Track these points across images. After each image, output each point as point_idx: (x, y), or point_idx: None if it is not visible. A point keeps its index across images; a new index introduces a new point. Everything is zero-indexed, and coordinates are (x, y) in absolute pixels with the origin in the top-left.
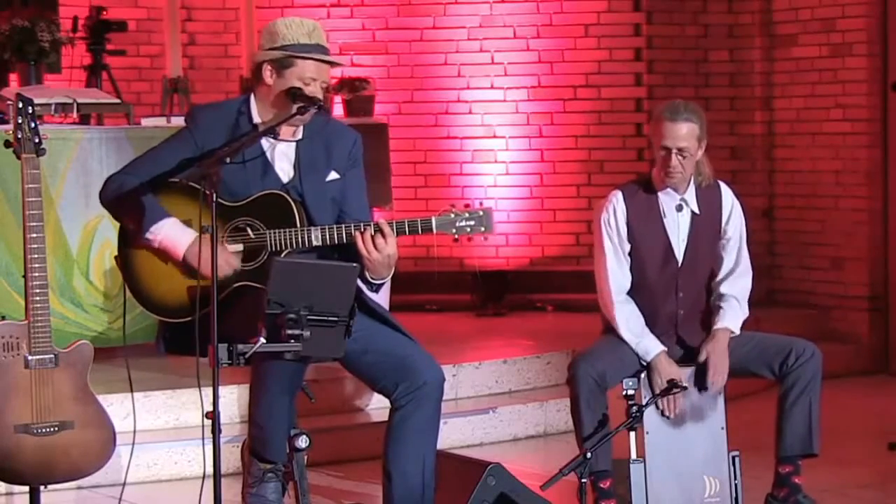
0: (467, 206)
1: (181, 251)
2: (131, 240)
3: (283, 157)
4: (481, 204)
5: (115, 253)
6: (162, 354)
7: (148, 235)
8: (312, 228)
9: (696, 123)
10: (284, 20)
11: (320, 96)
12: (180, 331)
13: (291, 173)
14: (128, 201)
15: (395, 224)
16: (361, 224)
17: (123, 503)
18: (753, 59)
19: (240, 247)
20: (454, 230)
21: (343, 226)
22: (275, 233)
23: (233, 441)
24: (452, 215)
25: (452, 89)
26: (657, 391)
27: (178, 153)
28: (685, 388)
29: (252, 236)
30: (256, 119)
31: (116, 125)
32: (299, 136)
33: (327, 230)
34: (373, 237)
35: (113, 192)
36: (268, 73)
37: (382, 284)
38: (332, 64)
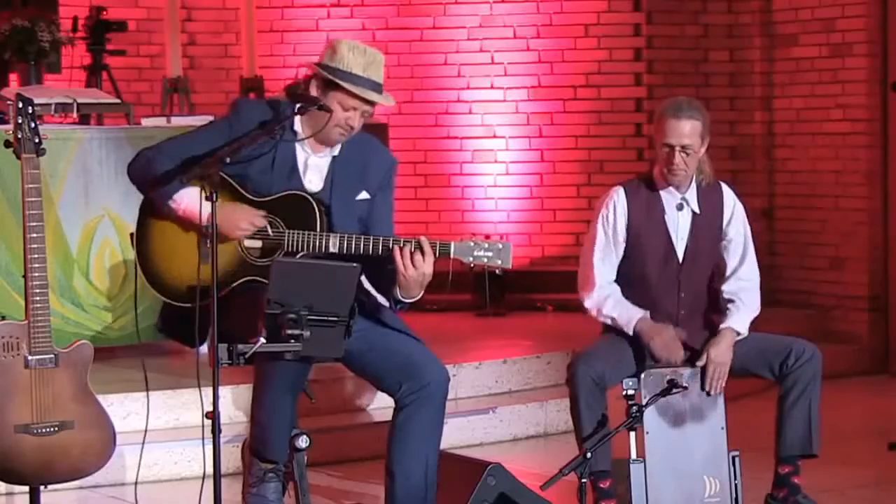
0: (488, 237)
1: (204, 217)
2: (156, 209)
3: (315, 170)
4: (502, 237)
5: (132, 230)
6: (159, 337)
7: (171, 203)
8: (331, 234)
9: (699, 121)
10: (350, 44)
11: (356, 124)
12: (182, 319)
13: (321, 186)
14: (155, 171)
15: (413, 243)
16: (401, 240)
17: (122, 503)
18: (753, 59)
19: (258, 243)
20: (471, 258)
21: (371, 238)
22: (293, 233)
23: (233, 441)
24: (472, 244)
25: (452, 89)
26: (656, 360)
27: (212, 141)
28: (685, 387)
29: (271, 234)
30: (297, 127)
31: (116, 125)
32: (336, 152)
33: (345, 238)
34: (412, 254)
35: (141, 164)
36: (314, 86)
37: (409, 304)
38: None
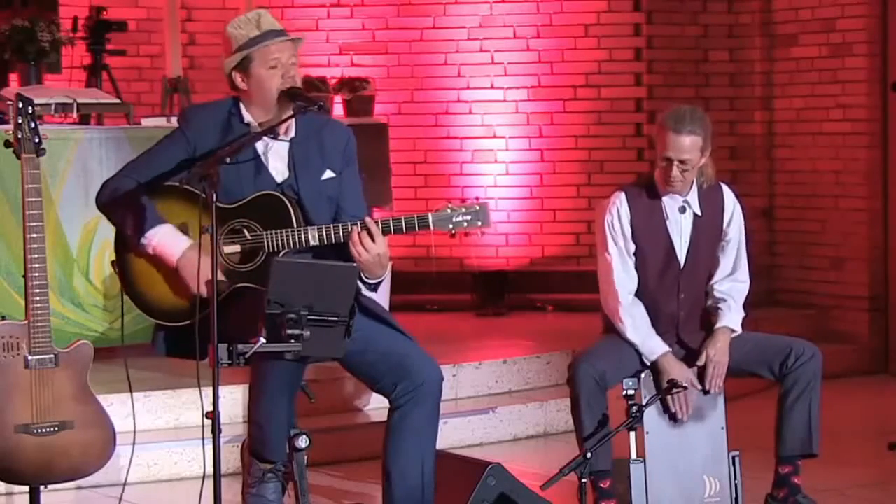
0: (463, 200)
1: (174, 259)
2: (127, 245)
3: (276, 157)
4: (477, 198)
5: (113, 258)
6: (161, 354)
7: (143, 241)
8: (309, 228)
9: (700, 136)
10: (232, 23)
11: (293, 74)
12: (180, 334)
13: (286, 173)
14: (123, 206)
15: (391, 222)
16: (349, 223)
17: (123, 503)
18: (753, 59)
19: (236, 248)
20: (451, 225)
21: (340, 225)
22: (272, 233)
23: (233, 441)
24: (449, 211)
25: (452, 89)
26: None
27: (174, 154)
28: (685, 388)
29: (249, 238)
30: (248, 118)
31: (116, 125)
32: (292, 133)
33: (324, 229)
34: (361, 238)
35: (109, 197)
36: (239, 80)
37: (379, 283)
38: (292, 41)
